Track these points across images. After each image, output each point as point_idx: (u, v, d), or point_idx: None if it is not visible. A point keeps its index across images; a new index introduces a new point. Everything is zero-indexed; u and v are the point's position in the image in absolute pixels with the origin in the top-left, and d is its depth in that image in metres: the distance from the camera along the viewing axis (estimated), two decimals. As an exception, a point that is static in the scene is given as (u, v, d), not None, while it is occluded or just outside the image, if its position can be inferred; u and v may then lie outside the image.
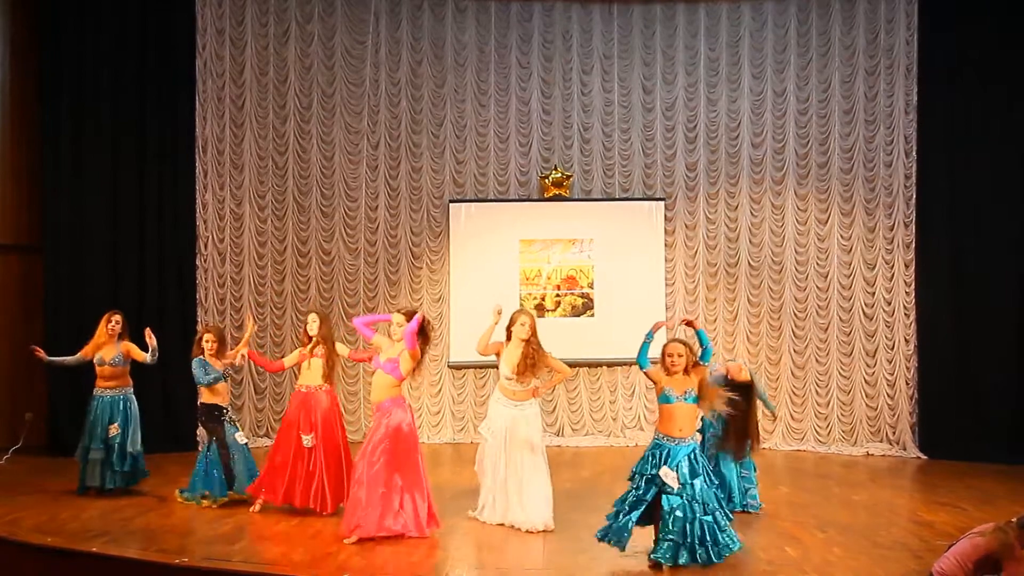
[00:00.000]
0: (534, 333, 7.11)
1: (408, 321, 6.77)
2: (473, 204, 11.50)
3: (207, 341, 7.94)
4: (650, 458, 6.05)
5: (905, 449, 10.84)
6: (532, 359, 7.06)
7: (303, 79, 11.34)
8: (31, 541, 6.48)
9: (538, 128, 11.54)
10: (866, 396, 11.11)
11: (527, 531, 6.91)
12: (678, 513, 5.88)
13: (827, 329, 11.22)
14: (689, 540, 5.88)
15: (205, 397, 7.95)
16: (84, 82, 10.48)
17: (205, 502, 7.71)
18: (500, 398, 7.28)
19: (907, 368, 11.01)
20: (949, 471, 9.75)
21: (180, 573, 5.88)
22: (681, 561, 5.88)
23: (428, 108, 11.48)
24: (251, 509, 7.54)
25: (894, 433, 10.98)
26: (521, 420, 7.15)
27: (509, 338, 7.18)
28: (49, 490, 8.13)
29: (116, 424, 8.10)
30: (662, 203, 11.47)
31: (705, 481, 6.01)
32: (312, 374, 7.65)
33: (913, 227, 11.03)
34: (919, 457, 10.71)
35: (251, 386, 11.11)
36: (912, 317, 11.02)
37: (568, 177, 11.42)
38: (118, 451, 8.09)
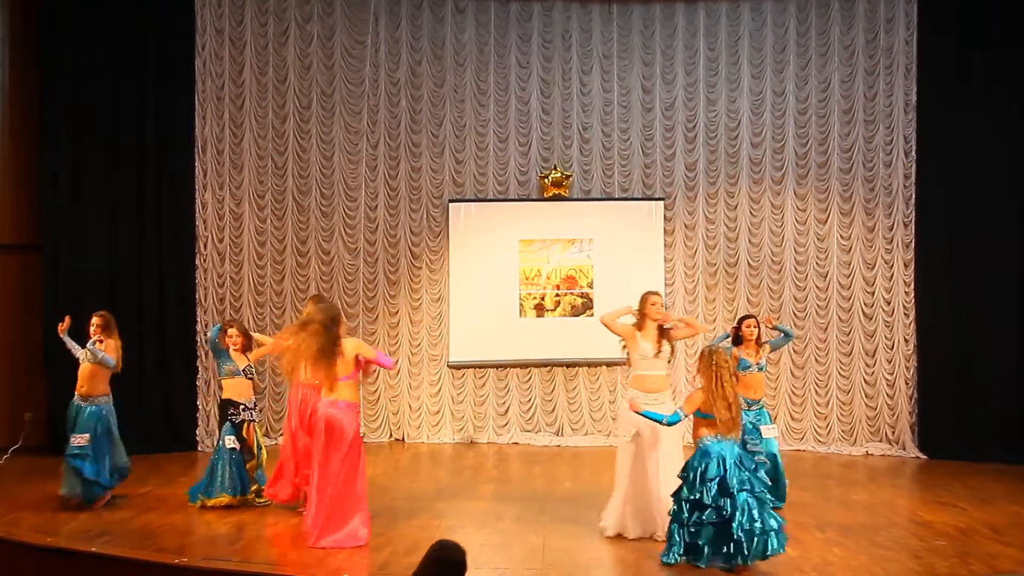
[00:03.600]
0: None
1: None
2: (472, 204, 11.50)
3: (231, 336, 7.90)
4: None
5: (904, 449, 10.84)
6: (666, 332, 7.00)
7: (302, 79, 11.33)
8: (30, 541, 6.48)
9: (537, 128, 11.54)
10: (865, 396, 11.10)
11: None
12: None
13: (826, 329, 11.22)
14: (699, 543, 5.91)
15: (224, 392, 7.93)
16: (83, 82, 10.47)
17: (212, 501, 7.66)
18: (640, 396, 6.77)
19: (906, 368, 11.01)
20: (948, 471, 9.74)
21: (179, 573, 5.87)
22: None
23: (427, 108, 11.48)
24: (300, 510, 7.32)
25: (893, 433, 10.98)
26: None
27: (641, 323, 7.01)
28: (48, 490, 8.10)
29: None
30: (661, 203, 11.46)
31: (722, 482, 5.89)
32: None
33: (912, 227, 11.02)
34: (918, 457, 10.70)
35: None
36: (911, 317, 11.02)
37: (567, 177, 11.42)
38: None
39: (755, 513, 5.80)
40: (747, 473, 5.93)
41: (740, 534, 5.76)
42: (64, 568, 6.22)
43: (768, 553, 5.82)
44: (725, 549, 5.81)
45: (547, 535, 6.86)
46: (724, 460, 5.92)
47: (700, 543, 5.87)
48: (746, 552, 5.77)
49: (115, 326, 7.87)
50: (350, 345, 6.63)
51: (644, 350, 6.92)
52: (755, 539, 5.78)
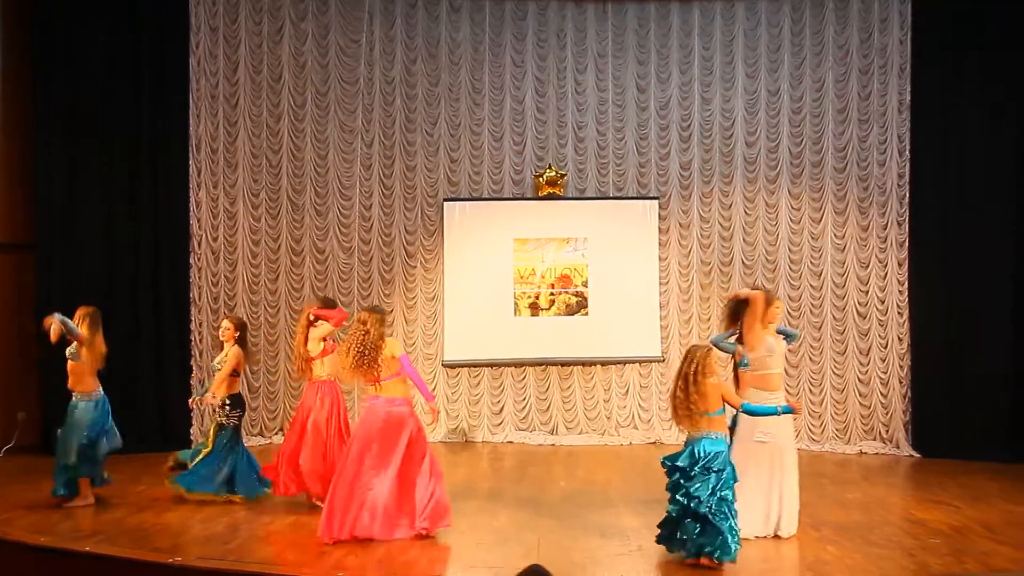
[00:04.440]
0: None
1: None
2: (467, 203, 11.49)
3: (228, 329, 7.95)
4: None
5: (898, 447, 10.87)
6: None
7: (297, 77, 11.32)
8: (24, 540, 6.47)
9: (532, 127, 11.54)
10: (859, 395, 11.13)
11: (786, 536, 6.64)
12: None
13: (821, 327, 11.24)
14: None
15: (231, 389, 7.92)
16: (77, 81, 10.43)
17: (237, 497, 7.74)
18: (764, 396, 6.60)
19: (900, 367, 11.03)
20: (942, 469, 9.76)
21: (174, 573, 5.86)
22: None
23: (422, 106, 11.47)
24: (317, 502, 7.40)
25: (887, 431, 11.01)
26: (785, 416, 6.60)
27: (762, 323, 6.80)
28: (42, 489, 8.04)
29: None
30: (656, 202, 11.48)
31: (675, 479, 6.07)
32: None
33: (906, 226, 11.04)
34: (912, 455, 10.73)
35: (245, 385, 11.04)
36: (905, 316, 11.04)
37: (562, 176, 11.42)
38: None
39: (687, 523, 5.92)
40: (696, 475, 5.96)
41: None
42: (58, 568, 6.21)
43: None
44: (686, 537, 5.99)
45: (542, 534, 6.86)
46: (685, 456, 6.03)
47: (687, 536, 5.98)
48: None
49: (98, 321, 7.70)
50: (392, 344, 6.87)
51: (770, 346, 6.79)
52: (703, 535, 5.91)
